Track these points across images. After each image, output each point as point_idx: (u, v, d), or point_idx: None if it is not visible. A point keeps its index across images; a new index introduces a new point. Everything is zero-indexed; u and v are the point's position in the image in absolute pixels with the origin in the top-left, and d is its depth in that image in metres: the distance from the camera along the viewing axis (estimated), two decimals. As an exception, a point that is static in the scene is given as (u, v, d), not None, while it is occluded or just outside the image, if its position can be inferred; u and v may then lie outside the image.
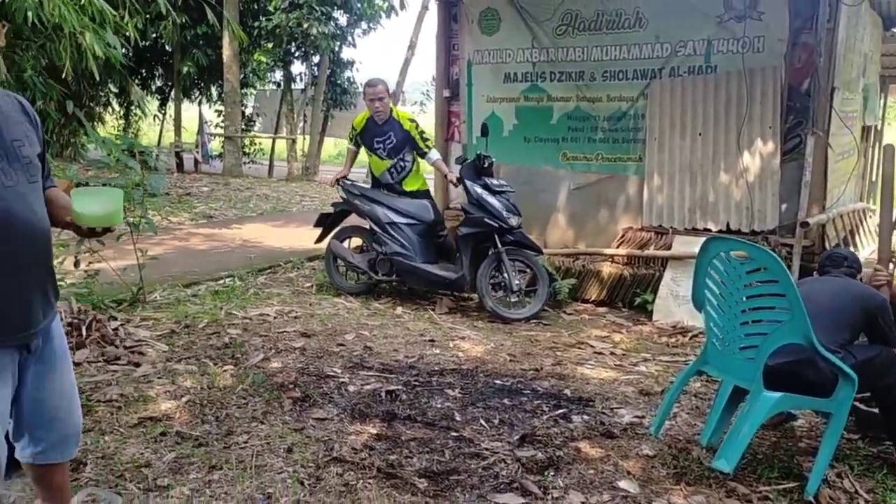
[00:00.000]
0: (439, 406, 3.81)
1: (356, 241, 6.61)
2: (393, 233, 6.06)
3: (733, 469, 2.88)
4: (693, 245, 5.67)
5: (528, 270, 5.98)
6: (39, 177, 2.12)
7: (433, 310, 5.96)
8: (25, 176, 2.04)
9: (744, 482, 3.05)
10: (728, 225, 5.92)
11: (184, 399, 3.74)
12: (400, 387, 4.03)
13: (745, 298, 3.04)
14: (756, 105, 5.75)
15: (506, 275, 5.75)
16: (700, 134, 6.01)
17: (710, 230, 5.93)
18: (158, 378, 4.03)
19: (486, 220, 5.71)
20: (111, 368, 4.13)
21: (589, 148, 6.55)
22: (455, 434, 3.46)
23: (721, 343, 3.15)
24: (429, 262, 6.06)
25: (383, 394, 3.93)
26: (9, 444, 2.15)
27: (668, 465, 3.20)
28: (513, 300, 5.82)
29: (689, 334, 5.36)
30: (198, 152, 17.90)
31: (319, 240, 6.63)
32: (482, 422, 3.63)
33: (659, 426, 3.43)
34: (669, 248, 5.99)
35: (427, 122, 7.05)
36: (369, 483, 2.95)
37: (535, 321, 5.70)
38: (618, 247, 6.31)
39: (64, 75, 7.69)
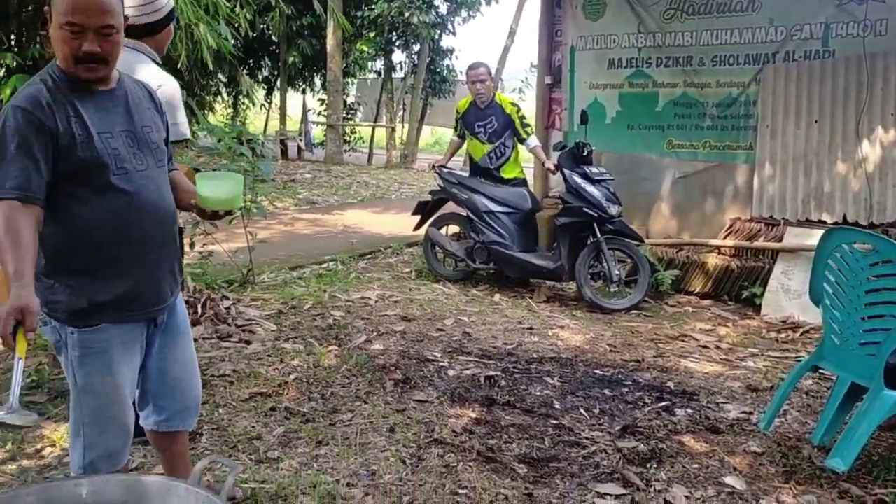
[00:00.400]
0: (538, 393, 3.81)
1: (453, 229, 6.66)
2: (490, 221, 6.06)
3: (848, 469, 2.76)
4: (807, 237, 5.44)
5: (628, 260, 5.86)
6: (166, 161, 2.23)
7: (531, 298, 5.94)
8: (154, 160, 2.14)
9: (857, 483, 2.91)
10: (844, 217, 5.62)
11: (291, 377, 3.88)
12: (499, 373, 4.05)
13: (866, 293, 2.90)
14: (877, 91, 5.45)
15: (605, 264, 5.65)
16: (816, 121, 5.74)
17: (824, 222, 5.65)
18: (268, 356, 4.20)
19: (585, 209, 5.61)
20: (224, 345, 4.34)
21: (696, 135, 6.36)
22: (554, 422, 3.45)
23: (839, 338, 3.01)
24: (526, 251, 6.03)
25: (482, 379, 3.96)
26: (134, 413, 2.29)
27: (777, 463, 3.10)
28: (612, 290, 5.72)
29: (801, 330, 5.13)
30: (301, 140, 18.42)
31: (418, 227, 6.72)
32: (582, 411, 3.61)
33: (769, 422, 3.32)
34: (780, 240, 5.74)
35: (527, 109, 7.01)
36: (469, 466, 2.99)
37: (635, 312, 5.60)
38: (725, 237, 6.10)
39: (179, 65, 8.03)
